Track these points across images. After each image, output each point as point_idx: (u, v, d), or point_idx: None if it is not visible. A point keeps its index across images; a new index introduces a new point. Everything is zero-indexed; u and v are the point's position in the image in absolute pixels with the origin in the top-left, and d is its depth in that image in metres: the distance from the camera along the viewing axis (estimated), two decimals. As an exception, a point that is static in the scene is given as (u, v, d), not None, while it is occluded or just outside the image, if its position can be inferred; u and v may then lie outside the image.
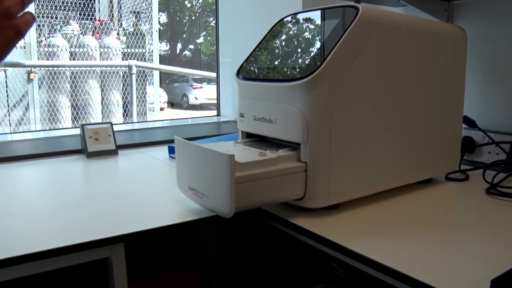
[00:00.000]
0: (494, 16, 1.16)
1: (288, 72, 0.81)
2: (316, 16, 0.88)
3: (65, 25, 4.51)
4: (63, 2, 4.56)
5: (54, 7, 4.53)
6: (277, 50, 0.90)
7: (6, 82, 4.14)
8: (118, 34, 4.81)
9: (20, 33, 0.57)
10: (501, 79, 1.16)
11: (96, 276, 0.97)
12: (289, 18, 0.93)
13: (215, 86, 2.13)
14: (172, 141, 1.44)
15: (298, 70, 0.79)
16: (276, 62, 0.87)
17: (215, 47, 2.05)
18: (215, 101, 2.20)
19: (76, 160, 1.26)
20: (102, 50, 4.62)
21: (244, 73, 0.91)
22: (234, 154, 0.68)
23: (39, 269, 0.67)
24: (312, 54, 0.81)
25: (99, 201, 0.90)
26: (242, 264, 1.18)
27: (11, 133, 1.65)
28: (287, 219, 0.78)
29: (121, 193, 0.95)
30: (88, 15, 4.70)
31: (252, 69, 0.91)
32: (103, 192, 0.96)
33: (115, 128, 1.36)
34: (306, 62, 0.80)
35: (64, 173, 1.15)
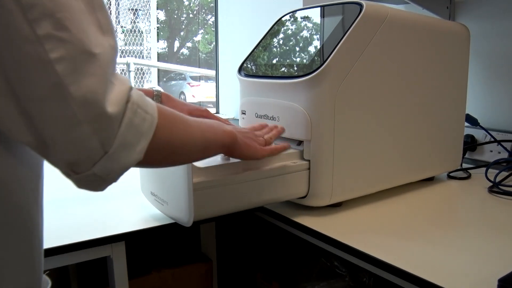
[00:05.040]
0: (496, 14, 1.15)
1: (291, 69, 0.81)
2: (319, 13, 0.87)
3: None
4: None
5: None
6: (279, 47, 0.89)
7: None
8: (115, 31, 4.79)
9: (267, 143, 0.69)
10: (503, 77, 1.16)
11: (97, 274, 0.96)
12: (291, 15, 0.93)
13: (212, 83, 2.12)
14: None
15: (301, 67, 0.79)
16: (279, 59, 0.86)
17: (212, 45, 2.04)
18: (212, 99, 2.19)
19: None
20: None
21: (246, 70, 0.90)
22: None
23: (39, 267, 0.66)
24: (315, 51, 0.80)
25: (100, 199, 0.89)
26: (242, 262, 1.17)
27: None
28: (289, 217, 0.77)
29: (122, 191, 0.94)
30: (86, 12, 4.67)
31: (254, 66, 0.90)
32: (104, 190, 0.95)
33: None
34: (310, 59, 0.79)
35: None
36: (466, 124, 1.09)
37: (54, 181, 1.05)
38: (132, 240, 0.75)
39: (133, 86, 0.42)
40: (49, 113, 0.37)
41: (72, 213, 0.81)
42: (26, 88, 0.36)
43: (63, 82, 0.36)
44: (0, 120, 0.37)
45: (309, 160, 0.77)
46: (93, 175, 0.40)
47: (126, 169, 0.42)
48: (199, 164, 0.68)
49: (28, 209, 0.44)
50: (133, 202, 0.85)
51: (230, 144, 0.61)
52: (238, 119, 0.93)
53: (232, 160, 0.72)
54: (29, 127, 0.37)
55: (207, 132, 0.57)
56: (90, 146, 0.38)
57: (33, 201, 0.45)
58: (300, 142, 0.80)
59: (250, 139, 0.66)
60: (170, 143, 0.48)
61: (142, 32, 4.80)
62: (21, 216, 0.43)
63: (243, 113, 0.90)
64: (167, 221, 0.75)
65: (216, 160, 0.72)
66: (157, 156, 0.47)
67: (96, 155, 0.39)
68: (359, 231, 0.73)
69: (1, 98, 0.36)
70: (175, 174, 0.67)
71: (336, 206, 0.81)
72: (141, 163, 0.44)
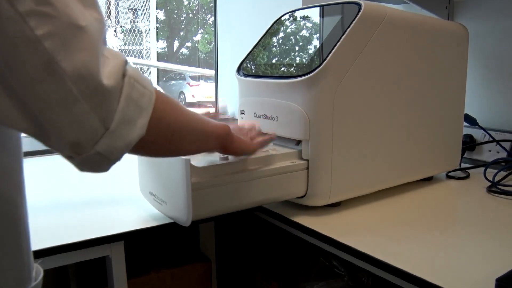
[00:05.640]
0: (494, 14, 1.15)
1: (290, 69, 0.81)
2: (318, 12, 0.87)
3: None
4: None
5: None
6: (278, 47, 0.89)
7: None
8: (115, 31, 4.79)
9: (258, 144, 0.72)
10: (502, 77, 1.16)
11: (96, 274, 0.96)
12: (290, 15, 0.93)
13: (212, 83, 2.12)
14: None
15: (300, 66, 0.79)
16: (278, 59, 0.86)
17: (212, 44, 2.04)
18: (212, 99, 2.19)
19: (74, 158, 1.25)
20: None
21: (244, 69, 0.90)
22: (194, 158, 0.65)
23: (37, 267, 0.66)
24: (314, 50, 0.80)
25: (98, 199, 0.89)
26: (241, 262, 1.17)
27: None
28: (288, 217, 0.77)
29: (122, 190, 0.94)
30: (85, 12, 4.67)
31: (253, 65, 0.90)
32: (102, 190, 0.95)
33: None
34: (308, 58, 0.79)
35: (62, 170, 1.13)
36: (465, 123, 1.09)
37: (54, 181, 1.05)
38: (131, 240, 0.75)
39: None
40: (44, 94, 0.35)
41: (71, 213, 0.81)
42: (17, 72, 0.34)
43: (54, 59, 0.34)
44: None
45: (307, 160, 0.77)
46: (96, 155, 0.39)
47: (129, 146, 0.41)
48: (198, 163, 0.68)
49: (14, 201, 0.43)
50: (131, 202, 0.85)
51: (224, 137, 0.61)
52: (237, 119, 0.93)
53: (231, 159, 0.72)
54: (25, 114, 0.36)
55: (203, 122, 0.57)
56: (90, 124, 0.37)
57: (18, 193, 0.44)
58: (298, 142, 0.80)
59: (241, 134, 0.68)
60: (170, 124, 0.48)
61: (141, 32, 4.80)
62: (7, 208, 0.42)
63: (242, 113, 0.90)
64: (166, 220, 0.75)
65: (215, 160, 0.72)
66: (157, 138, 0.46)
67: (97, 132, 0.38)
68: (358, 230, 0.73)
69: None
70: (174, 173, 0.67)
71: (335, 206, 0.81)
72: (141, 148, 0.43)
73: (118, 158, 0.42)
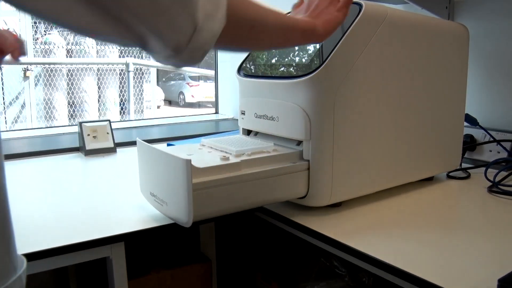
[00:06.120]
0: (494, 14, 1.15)
1: (291, 69, 0.81)
2: (318, 12, 0.87)
3: (62, 22, 4.47)
4: (59, -1, 4.52)
5: (50, 4, 4.50)
6: (278, 47, 0.89)
7: (1, 79, 4.11)
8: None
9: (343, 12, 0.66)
10: (502, 77, 1.16)
11: (96, 275, 0.96)
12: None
13: (212, 83, 2.12)
14: (170, 139, 1.43)
15: (301, 67, 0.79)
16: (278, 59, 0.86)
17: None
18: (211, 99, 2.19)
19: (74, 158, 1.25)
20: (98, 47, 4.60)
21: (245, 70, 0.90)
22: (195, 158, 0.65)
23: (38, 268, 0.66)
24: (315, 50, 0.80)
25: (99, 200, 0.89)
26: (242, 262, 1.17)
27: (7, 130, 1.63)
28: (289, 217, 0.77)
29: (121, 191, 0.94)
30: (85, 12, 4.66)
31: (254, 66, 0.90)
32: (102, 191, 0.95)
33: (112, 125, 1.34)
34: (309, 58, 0.79)
35: (62, 171, 1.13)
36: (466, 123, 1.09)
37: (54, 182, 1.05)
38: (132, 241, 0.74)
39: None
40: (147, 6, 0.39)
41: (71, 213, 0.81)
42: None
43: None
44: (99, 29, 0.39)
45: (308, 160, 0.77)
46: (193, 49, 0.44)
47: (216, 36, 0.45)
48: (199, 164, 0.68)
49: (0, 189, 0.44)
50: (132, 203, 0.84)
51: (311, 31, 0.61)
52: (237, 119, 0.93)
53: (232, 160, 0.72)
54: (132, 30, 0.40)
55: (284, 17, 0.58)
56: (185, 24, 0.42)
57: (3, 183, 0.45)
58: (299, 142, 0.80)
59: (322, 14, 0.64)
60: (246, 15, 0.51)
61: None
62: None
63: (242, 113, 0.90)
64: (167, 221, 0.74)
65: (216, 160, 0.72)
66: (237, 29, 0.51)
67: (190, 30, 0.42)
68: (359, 231, 0.73)
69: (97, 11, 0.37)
70: (175, 174, 0.67)
71: (336, 206, 0.81)
72: (227, 41, 0.49)
73: (210, 46, 0.46)
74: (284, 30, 0.58)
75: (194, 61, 0.46)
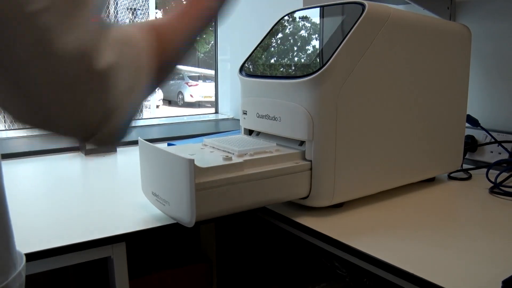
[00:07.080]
0: (496, 14, 1.15)
1: (293, 69, 0.80)
2: (321, 12, 0.87)
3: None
4: (58, -2, 4.51)
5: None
6: (281, 47, 0.89)
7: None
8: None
9: None
10: (504, 78, 1.16)
11: (97, 275, 0.95)
12: (293, 15, 0.92)
13: (211, 83, 2.11)
14: (170, 138, 1.43)
15: (303, 67, 0.78)
16: (280, 59, 0.86)
17: (211, 44, 2.04)
18: (210, 99, 2.19)
19: (74, 158, 1.24)
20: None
21: (247, 70, 0.90)
22: (198, 158, 0.65)
23: (39, 268, 0.66)
24: (318, 50, 0.80)
25: (99, 200, 0.89)
26: (242, 262, 1.17)
27: (7, 129, 1.62)
28: (290, 217, 0.77)
29: (122, 191, 0.94)
30: (84, 11, 4.65)
31: (255, 66, 0.90)
32: (103, 190, 0.95)
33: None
34: (312, 58, 0.79)
35: (62, 170, 1.13)
36: (467, 124, 1.09)
37: (55, 181, 1.05)
38: (133, 241, 0.74)
39: None
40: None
41: (72, 213, 0.81)
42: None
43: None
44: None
45: (311, 161, 0.77)
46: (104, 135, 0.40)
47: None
48: (201, 164, 0.67)
49: None
50: (133, 203, 0.84)
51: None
52: (237, 119, 0.93)
53: (234, 160, 0.72)
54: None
55: None
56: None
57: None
58: (302, 143, 0.80)
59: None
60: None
61: (140, 32, 4.78)
62: None
63: (244, 113, 0.90)
64: (168, 221, 0.74)
65: (218, 160, 0.72)
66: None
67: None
68: (360, 231, 0.72)
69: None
70: (177, 174, 0.66)
71: (338, 207, 0.81)
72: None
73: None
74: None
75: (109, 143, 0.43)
